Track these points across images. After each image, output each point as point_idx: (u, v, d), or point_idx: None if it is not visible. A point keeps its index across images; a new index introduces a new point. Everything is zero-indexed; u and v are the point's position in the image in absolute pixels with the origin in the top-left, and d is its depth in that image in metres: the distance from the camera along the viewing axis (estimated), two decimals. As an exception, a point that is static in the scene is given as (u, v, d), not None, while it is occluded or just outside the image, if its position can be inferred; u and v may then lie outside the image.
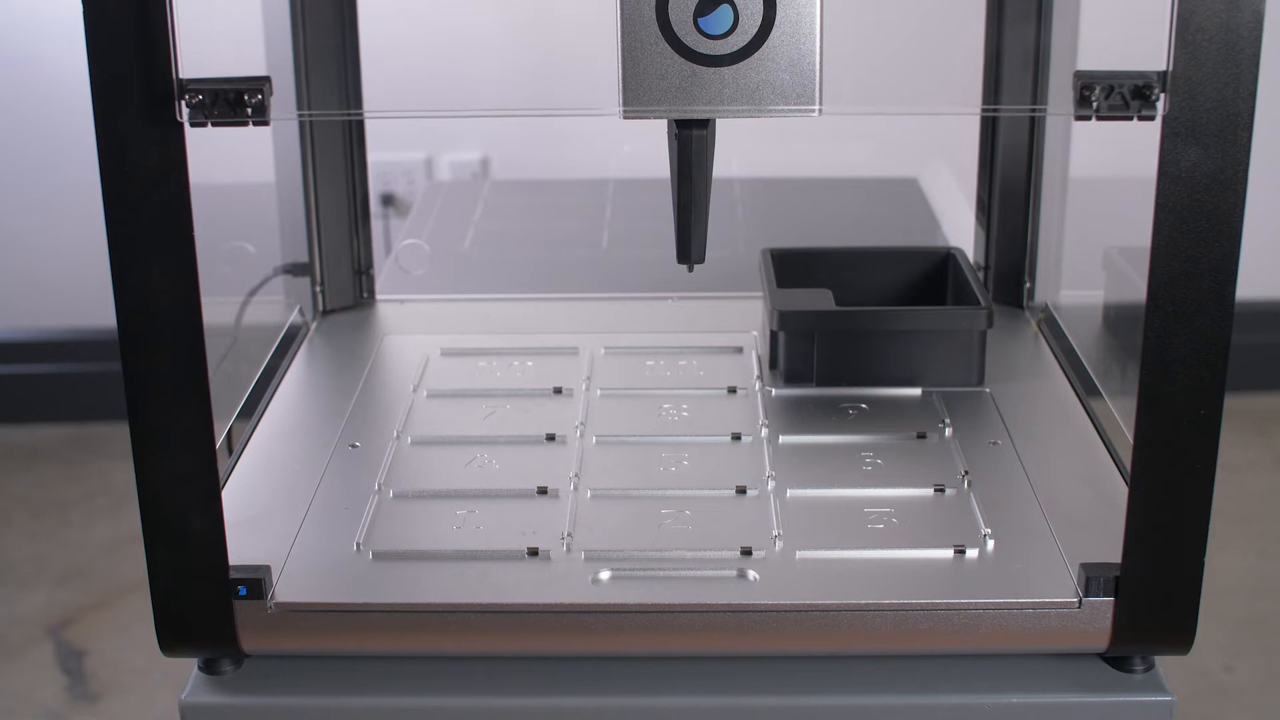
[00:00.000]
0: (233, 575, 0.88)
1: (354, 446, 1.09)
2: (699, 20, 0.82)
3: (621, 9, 0.82)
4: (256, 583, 0.89)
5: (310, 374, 1.24)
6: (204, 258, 0.82)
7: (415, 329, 1.31)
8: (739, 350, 1.25)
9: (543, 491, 1.02)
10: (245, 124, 0.81)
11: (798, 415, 1.13)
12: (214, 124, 0.81)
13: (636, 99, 0.84)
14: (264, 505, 1.01)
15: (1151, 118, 0.80)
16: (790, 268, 1.25)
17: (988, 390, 1.17)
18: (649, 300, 1.36)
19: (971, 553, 0.94)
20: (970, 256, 1.31)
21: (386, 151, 2.53)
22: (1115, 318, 1.27)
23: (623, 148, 1.98)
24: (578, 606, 0.90)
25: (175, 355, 0.83)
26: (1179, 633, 0.89)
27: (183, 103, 0.79)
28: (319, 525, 0.98)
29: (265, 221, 1.39)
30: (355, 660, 0.92)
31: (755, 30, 0.82)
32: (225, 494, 0.91)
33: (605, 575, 0.92)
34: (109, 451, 2.57)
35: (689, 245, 0.95)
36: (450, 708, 0.90)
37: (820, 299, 1.19)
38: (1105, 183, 1.34)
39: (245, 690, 0.91)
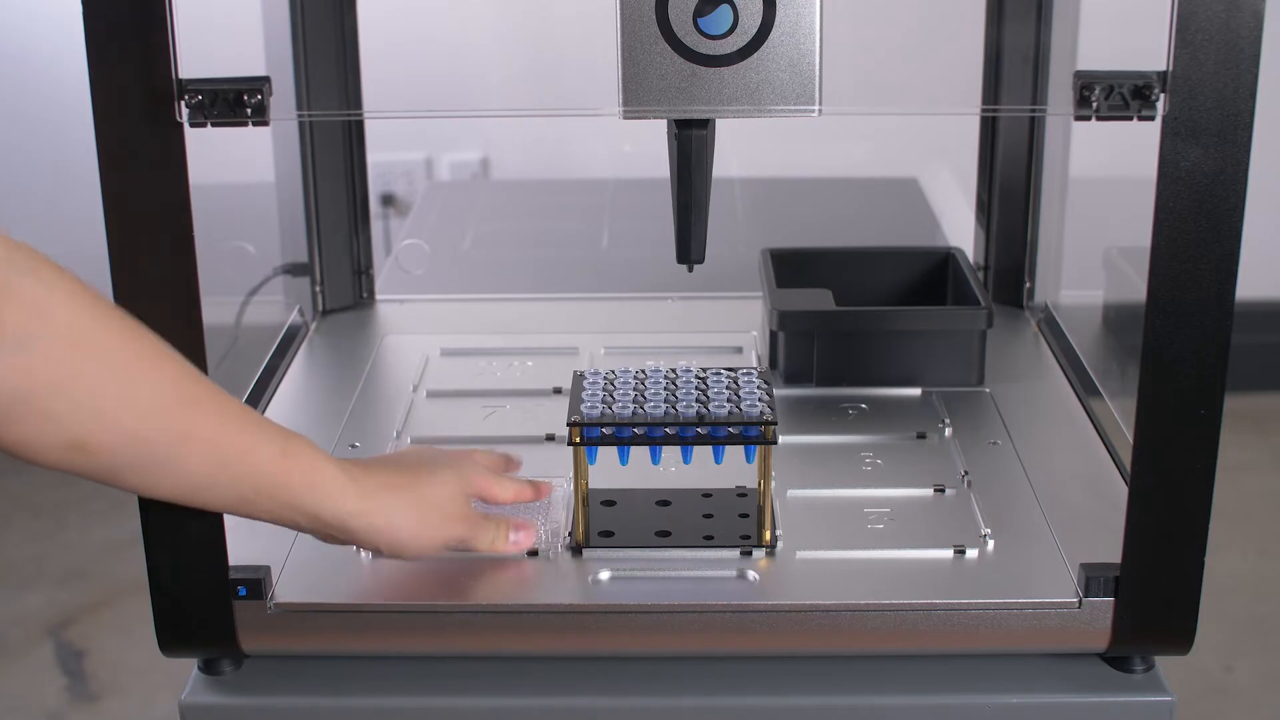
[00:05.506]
0: (233, 575, 0.88)
1: (354, 446, 1.09)
2: (699, 20, 0.82)
3: (621, 9, 0.82)
4: (256, 583, 0.89)
5: (310, 374, 1.24)
6: (204, 258, 0.82)
7: (415, 329, 1.31)
8: (739, 350, 1.25)
9: (543, 491, 1.01)
10: (245, 124, 0.81)
11: (798, 415, 1.13)
12: (214, 124, 0.81)
13: (636, 99, 0.84)
14: (264, 505, 1.00)
15: (1151, 118, 0.80)
16: (790, 268, 1.25)
17: (988, 390, 1.17)
18: (649, 300, 1.36)
19: (971, 553, 0.94)
20: (970, 256, 1.31)
21: (386, 151, 2.53)
22: (1115, 318, 1.27)
23: (623, 147, 1.98)
24: (578, 607, 0.90)
25: (175, 355, 0.83)
26: (1179, 633, 0.89)
27: (183, 103, 0.79)
28: (319, 525, 0.98)
29: (265, 221, 1.39)
30: (355, 660, 0.92)
31: (755, 30, 0.82)
32: (225, 494, 0.91)
33: (605, 575, 0.92)
34: (109, 452, 2.57)
35: (689, 245, 0.95)
36: (450, 708, 0.90)
37: (820, 299, 1.19)
38: (1105, 183, 1.34)
39: (245, 690, 0.91)
